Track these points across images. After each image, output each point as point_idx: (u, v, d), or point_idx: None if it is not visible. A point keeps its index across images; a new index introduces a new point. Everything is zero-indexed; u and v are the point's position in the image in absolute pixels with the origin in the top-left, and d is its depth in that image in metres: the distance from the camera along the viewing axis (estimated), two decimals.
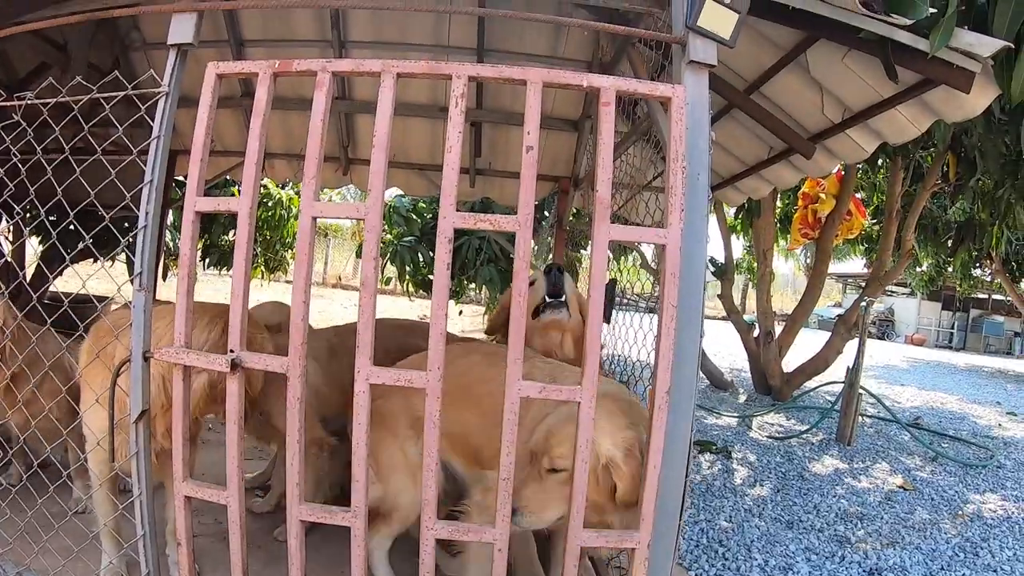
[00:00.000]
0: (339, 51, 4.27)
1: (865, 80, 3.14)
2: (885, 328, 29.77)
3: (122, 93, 2.25)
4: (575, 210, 5.75)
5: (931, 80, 2.77)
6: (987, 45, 2.43)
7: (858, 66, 3.06)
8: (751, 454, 6.52)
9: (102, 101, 2.28)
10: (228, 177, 6.34)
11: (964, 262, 13.72)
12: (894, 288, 27.64)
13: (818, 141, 3.83)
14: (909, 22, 2.41)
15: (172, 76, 2.17)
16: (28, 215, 6.02)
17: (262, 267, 12.69)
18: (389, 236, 10.76)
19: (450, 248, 1.82)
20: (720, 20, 2.08)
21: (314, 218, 1.95)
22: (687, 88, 2.04)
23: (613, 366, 4.57)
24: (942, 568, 4.00)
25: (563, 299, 3.28)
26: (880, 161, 9.07)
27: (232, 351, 2.00)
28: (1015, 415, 10.21)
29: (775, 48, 3.39)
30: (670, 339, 1.85)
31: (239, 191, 2.24)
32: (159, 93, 2.17)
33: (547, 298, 3.27)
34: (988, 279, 21.18)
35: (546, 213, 8.66)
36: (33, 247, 7.80)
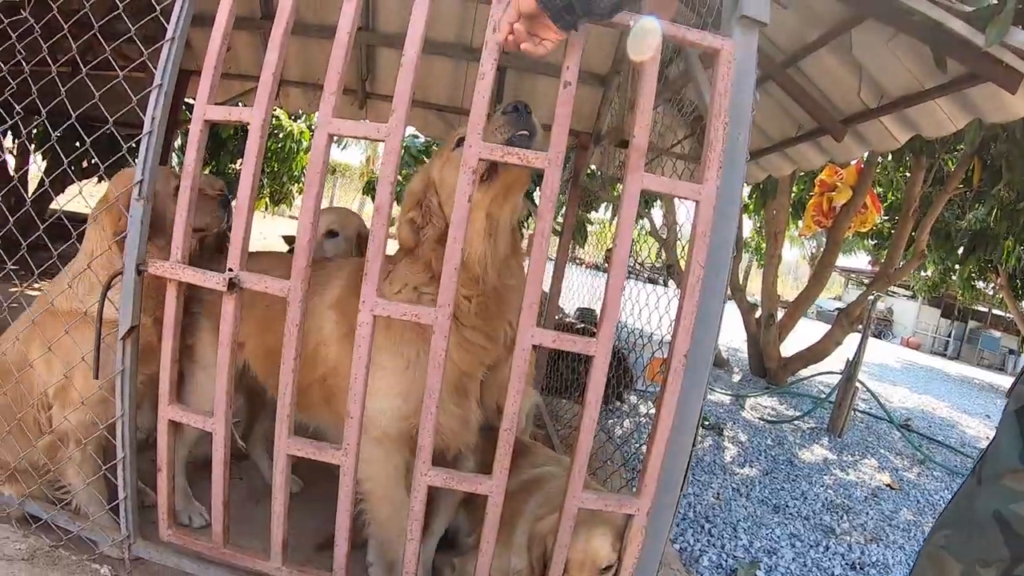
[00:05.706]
0: None
1: (907, 67, 3.03)
2: (882, 328, 29.83)
3: None
4: (590, 169, 5.61)
5: (976, 76, 2.69)
6: None
7: (902, 51, 2.95)
8: (742, 434, 6.49)
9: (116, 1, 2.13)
10: (240, 103, 6.18)
11: (970, 272, 13.61)
12: (896, 289, 27.63)
13: (849, 125, 3.71)
14: (969, 9, 2.30)
15: None
16: (34, 130, 5.86)
17: (267, 199, 12.49)
18: (398, 176, 10.61)
19: (474, 179, 1.71)
20: None
21: (331, 135, 1.83)
22: (736, 43, 1.91)
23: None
24: None
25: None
26: (904, 158, 8.94)
27: (231, 269, 1.89)
28: None
29: (820, 23, 3.25)
30: (693, 300, 1.75)
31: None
32: None
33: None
34: (991, 292, 21.08)
35: None
36: (38, 164, 7.65)
